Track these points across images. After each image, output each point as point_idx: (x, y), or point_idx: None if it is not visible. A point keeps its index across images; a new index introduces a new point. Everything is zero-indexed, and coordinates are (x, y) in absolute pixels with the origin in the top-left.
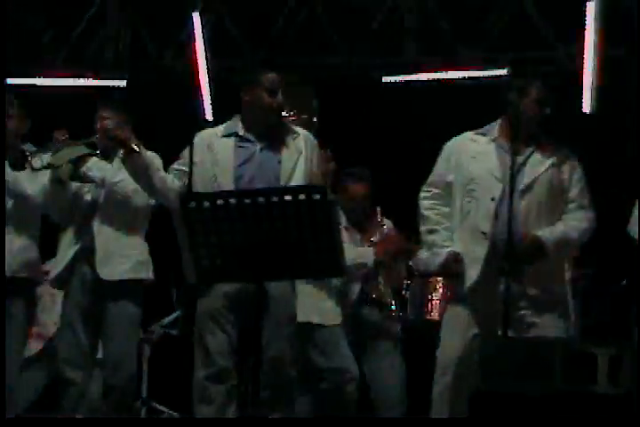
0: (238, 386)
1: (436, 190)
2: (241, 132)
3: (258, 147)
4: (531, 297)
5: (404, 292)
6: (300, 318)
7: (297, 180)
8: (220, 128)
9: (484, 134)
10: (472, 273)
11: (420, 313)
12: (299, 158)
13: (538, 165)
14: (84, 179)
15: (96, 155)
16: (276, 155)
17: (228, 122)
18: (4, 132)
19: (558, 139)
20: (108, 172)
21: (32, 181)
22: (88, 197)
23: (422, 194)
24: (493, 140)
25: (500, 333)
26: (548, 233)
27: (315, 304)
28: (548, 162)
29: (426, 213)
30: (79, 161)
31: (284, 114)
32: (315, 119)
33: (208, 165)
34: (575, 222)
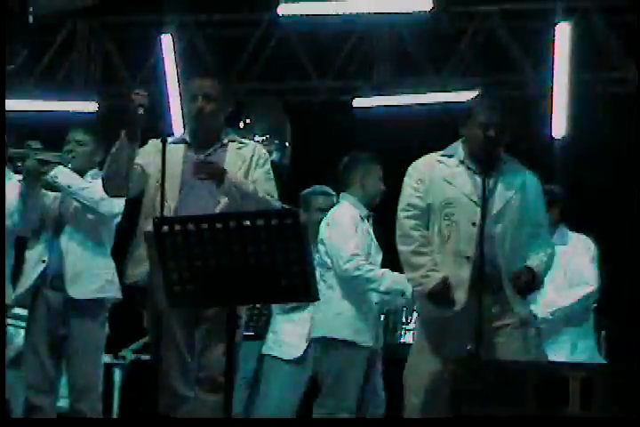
0: None
1: (417, 212)
2: (188, 140)
3: (202, 156)
4: (520, 317)
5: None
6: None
7: None
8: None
9: (450, 156)
10: (459, 296)
11: (394, 336)
12: (241, 166)
13: (507, 188)
14: (49, 186)
15: (64, 165)
16: (220, 161)
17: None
18: (5, 129)
19: (526, 162)
20: (75, 179)
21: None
22: (55, 211)
23: (404, 213)
24: (462, 162)
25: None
26: (537, 264)
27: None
28: (516, 184)
29: (412, 233)
30: (46, 164)
31: (257, 138)
32: (287, 144)
33: (153, 169)
34: (549, 250)
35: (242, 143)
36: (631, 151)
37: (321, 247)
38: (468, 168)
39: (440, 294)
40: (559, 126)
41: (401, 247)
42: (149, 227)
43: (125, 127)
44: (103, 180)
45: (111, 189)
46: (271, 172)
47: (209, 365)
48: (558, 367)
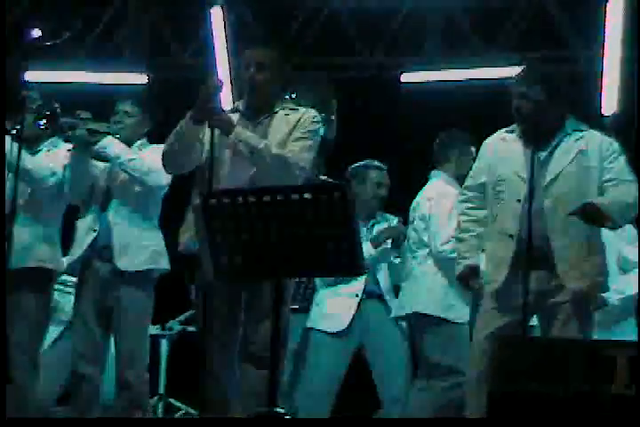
0: None
1: (471, 193)
2: (241, 108)
3: (255, 122)
4: (576, 293)
5: None
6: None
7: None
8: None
9: (512, 131)
10: (499, 275)
11: None
12: (284, 130)
13: (561, 159)
14: (98, 156)
15: (113, 135)
16: (265, 129)
17: None
18: (4, 125)
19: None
20: (124, 150)
21: (51, 160)
22: (103, 182)
23: (460, 197)
24: (520, 137)
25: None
26: (600, 198)
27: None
28: (572, 153)
29: (459, 218)
30: (96, 134)
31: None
32: (333, 117)
33: (206, 139)
34: (623, 189)
35: (292, 109)
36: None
37: (419, 224)
38: (525, 143)
39: (464, 281)
40: (609, 103)
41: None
42: (197, 200)
43: (196, 110)
44: (164, 156)
45: (171, 166)
46: (312, 134)
47: (255, 339)
48: (604, 345)
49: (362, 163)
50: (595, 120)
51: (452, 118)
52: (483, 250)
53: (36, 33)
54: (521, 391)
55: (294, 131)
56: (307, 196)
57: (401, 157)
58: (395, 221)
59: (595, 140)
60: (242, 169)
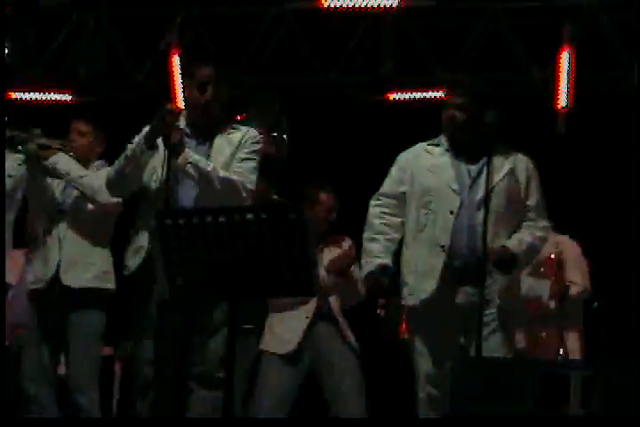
0: None
1: (387, 200)
2: (183, 127)
3: (194, 142)
4: (499, 307)
5: (378, 311)
6: None
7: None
8: None
9: (437, 145)
10: (427, 286)
11: (395, 333)
12: (228, 150)
13: (493, 175)
14: (49, 172)
15: (65, 150)
16: (207, 150)
17: None
18: (4, 127)
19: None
20: (75, 166)
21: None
22: (56, 198)
23: (373, 202)
24: (447, 151)
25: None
26: (517, 244)
27: None
28: (504, 170)
29: (372, 220)
30: (47, 149)
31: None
32: (285, 136)
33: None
34: (538, 232)
35: (233, 129)
36: (632, 150)
37: None
38: (454, 157)
39: (371, 280)
40: (562, 125)
41: (363, 234)
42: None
43: (150, 135)
44: (111, 180)
45: (119, 189)
46: (255, 154)
47: (203, 359)
48: (559, 365)
49: (313, 185)
50: (550, 140)
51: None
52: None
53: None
54: (475, 414)
55: (237, 151)
56: (263, 216)
57: (355, 177)
58: (347, 244)
59: (522, 161)
60: (185, 190)
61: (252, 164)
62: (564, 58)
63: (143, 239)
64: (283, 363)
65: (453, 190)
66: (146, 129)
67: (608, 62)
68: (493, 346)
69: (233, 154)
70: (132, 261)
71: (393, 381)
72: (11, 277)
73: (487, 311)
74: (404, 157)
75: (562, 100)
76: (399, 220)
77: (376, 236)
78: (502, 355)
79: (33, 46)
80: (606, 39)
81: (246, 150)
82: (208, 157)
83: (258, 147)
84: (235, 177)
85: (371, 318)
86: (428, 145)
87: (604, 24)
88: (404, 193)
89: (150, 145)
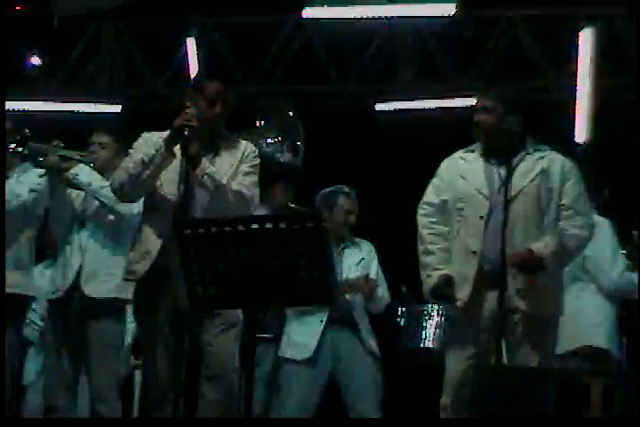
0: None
1: (432, 209)
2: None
3: (199, 153)
4: (523, 313)
5: (398, 319)
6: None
7: None
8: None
9: (472, 151)
10: (463, 293)
11: (415, 341)
12: (232, 164)
13: (523, 177)
14: (70, 184)
15: (86, 163)
16: (212, 162)
17: None
18: (4, 134)
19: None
20: (96, 178)
21: (20, 185)
22: (77, 209)
23: (420, 211)
24: (481, 156)
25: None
26: (543, 246)
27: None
28: (534, 171)
29: (422, 231)
30: (68, 160)
31: (268, 140)
32: (299, 143)
33: None
34: (572, 230)
35: (235, 142)
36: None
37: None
38: (487, 161)
39: (439, 292)
40: (582, 131)
41: (418, 247)
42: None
43: (170, 142)
44: (123, 184)
45: (129, 195)
46: (257, 168)
47: (214, 362)
48: (579, 373)
49: (331, 189)
50: (568, 148)
51: (426, 146)
52: None
53: (36, 61)
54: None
55: (240, 165)
56: (281, 225)
57: (375, 184)
58: (367, 246)
59: (557, 161)
60: (197, 201)
61: (254, 178)
62: (583, 64)
63: (150, 244)
64: (302, 368)
65: (483, 195)
66: (148, 135)
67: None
68: (522, 354)
69: (237, 167)
70: (140, 266)
71: (412, 388)
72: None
73: (514, 317)
74: (442, 166)
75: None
76: (446, 228)
77: (430, 247)
78: (531, 364)
79: (51, 58)
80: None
81: (248, 164)
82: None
83: (257, 161)
84: (245, 190)
85: (391, 327)
86: (464, 152)
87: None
88: (445, 201)
89: (171, 152)
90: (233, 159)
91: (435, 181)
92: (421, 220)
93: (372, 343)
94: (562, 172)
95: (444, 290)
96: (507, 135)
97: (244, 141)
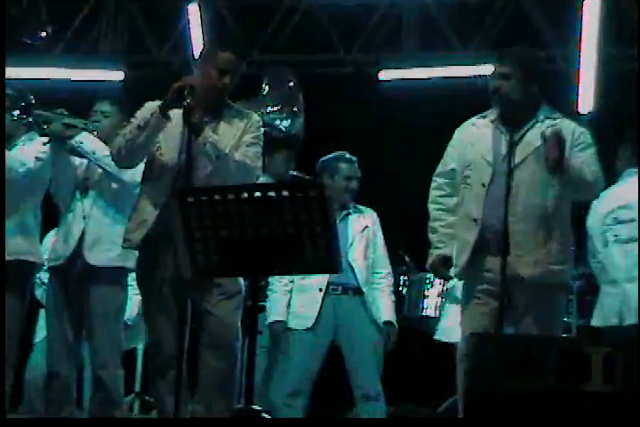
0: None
1: (441, 180)
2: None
3: (203, 121)
4: (528, 280)
5: (400, 288)
6: None
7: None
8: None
9: (484, 117)
10: (460, 260)
11: (416, 309)
12: (234, 133)
13: (529, 145)
14: (74, 151)
15: (89, 131)
16: (215, 130)
17: None
18: (4, 129)
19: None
20: (100, 146)
21: (26, 153)
22: (80, 177)
23: (432, 184)
24: (492, 122)
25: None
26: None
27: None
28: (541, 139)
29: (429, 206)
30: (71, 127)
31: (269, 109)
32: (299, 111)
33: None
34: (587, 168)
35: (237, 112)
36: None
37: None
38: (496, 127)
39: (435, 270)
40: (586, 102)
41: None
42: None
43: (166, 105)
44: (120, 149)
45: (127, 160)
46: (260, 139)
47: (217, 331)
48: (580, 342)
49: (332, 155)
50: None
51: (429, 116)
52: None
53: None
54: (496, 391)
55: (244, 135)
56: (284, 193)
57: (377, 153)
58: (370, 214)
59: (568, 128)
60: (198, 169)
61: (258, 148)
62: (587, 34)
63: (146, 213)
64: (303, 338)
65: (487, 162)
66: (151, 104)
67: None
68: (525, 323)
69: (240, 137)
70: (136, 235)
71: (413, 357)
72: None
73: (517, 286)
74: (455, 133)
75: (585, 78)
76: (453, 200)
77: (433, 224)
78: (536, 333)
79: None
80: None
81: (252, 135)
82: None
83: (261, 131)
84: (248, 161)
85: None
86: (477, 118)
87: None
88: (454, 170)
89: (166, 115)
90: (236, 129)
91: (448, 149)
92: (431, 194)
93: (376, 311)
94: (572, 138)
95: (439, 270)
96: (524, 102)
97: (247, 111)
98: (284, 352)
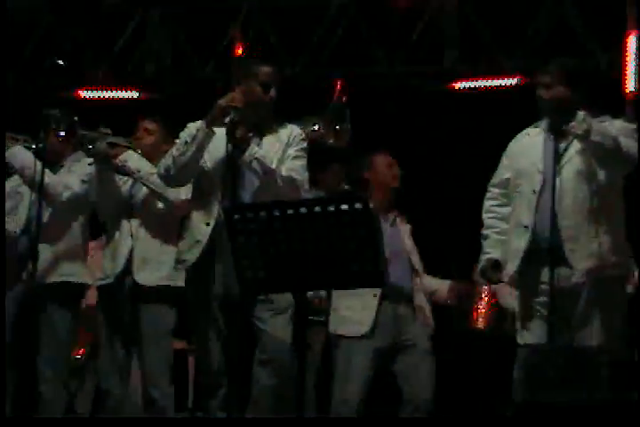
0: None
1: (496, 190)
2: (233, 120)
3: (247, 137)
4: (578, 287)
5: (448, 300)
6: None
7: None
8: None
9: (537, 126)
10: (510, 267)
11: (467, 321)
12: (278, 147)
13: (578, 153)
14: (119, 170)
15: (134, 149)
16: (259, 145)
17: None
18: (5, 128)
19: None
20: (144, 164)
21: (71, 176)
22: (125, 196)
23: (487, 194)
24: (545, 130)
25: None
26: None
27: None
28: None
29: (483, 215)
30: (116, 146)
31: (314, 128)
32: (346, 126)
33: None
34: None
35: (280, 126)
36: None
37: None
38: (548, 137)
39: (485, 274)
40: (632, 109)
41: None
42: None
43: (211, 120)
44: (168, 167)
45: (175, 177)
46: (305, 151)
47: (268, 347)
48: (630, 351)
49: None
50: None
51: (479, 126)
52: None
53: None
54: (546, 401)
55: (288, 148)
56: (329, 208)
57: (425, 166)
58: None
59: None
60: (245, 186)
61: (303, 161)
62: (631, 41)
63: (199, 234)
64: (361, 345)
65: (537, 170)
66: (194, 123)
67: None
68: (584, 335)
69: (283, 151)
70: (190, 256)
71: (464, 369)
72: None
73: (574, 281)
74: (510, 143)
75: (630, 85)
76: (507, 209)
77: (486, 232)
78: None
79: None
80: None
81: (296, 148)
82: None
83: (305, 144)
84: (294, 174)
85: (442, 307)
86: (531, 127)
87: None
88: (509, 179)
89: (211, 130)
90: (279, 143)
91: (503, 159)
92: (485, 204)
93: (430, 321)
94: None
95: (489, 273)
96: (568, 110)
97: (289, 125)
98: (342, 362)
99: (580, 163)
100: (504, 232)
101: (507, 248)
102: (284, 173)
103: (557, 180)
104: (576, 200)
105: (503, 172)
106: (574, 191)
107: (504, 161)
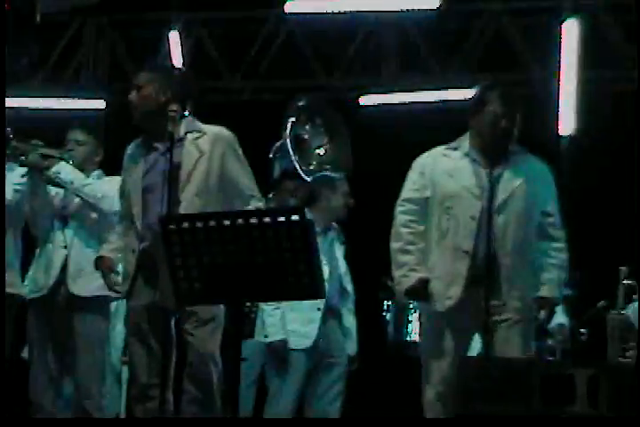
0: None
1: (411, 206)
2: (145, 139)
3: (159, 153)
4: (511, 309)
5: (383, 313)
6: None
7: (196, 181)
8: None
9: (455, 148)
10: (454, 291)
11: (400, 334)
12: (199, 159)
13: (512, 179)
14: (52, 181)
15: (66, 160)
16: (176, 159)
17: None
18: (4, 132)
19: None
20: (77, 175)
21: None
22: (57, 207)
23: (399, 208)
24: (466, 155)
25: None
26: (549, 290)
27: None
28: (521, 174)
29: (400, 229)
30: (48, 157)
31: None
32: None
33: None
34: (561, 257)
35: (198, 131)
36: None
37: None
38: (473, 161)
39: (415, 294)
40: (566, 124)
41: (391, 244)
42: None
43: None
44: None
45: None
46: (244, 158)
47: (192, 358)
48: (564, 364)
49: (326, 173)
50: (552, 141)
51: (410, 140)
52: None
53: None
54: (482, 413)
55: (224, 156)
56: (266, 220)
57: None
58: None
59: (536, 164)
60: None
61: (249, 171)
62: (566, 57)
63: (128, 264)
64: (305, 358)
65: (474, 196)
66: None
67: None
68: (512, 350)
69: (209, 164)
70: (122, 288)
71: (397, 381)
72: None
73: (503, 316)
74: (421, 162)
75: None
76: (423, 227)
77: (408, 247)
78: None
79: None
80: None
81: (234, 157)
82: (177, 164)
83: (240, 149)
84: (260, 203)
85: (376, 320)
86: (446, 149)
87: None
88: (428, 198)
89: None
90: (198, 151)
91: (414, 176)
92: (400, 218)
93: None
94: (543, 176)
95: (420, 291)
96: (503, 137)
97: (209, 128)
98: (284, 373)
99: (520, 206)
100: (423, 250)
101: (436, 270)
102: (257, 207)
103: (497, 213)
104: (516, 239)
105: (423, 189)
106: (515, 233)
107: (418, 179)
